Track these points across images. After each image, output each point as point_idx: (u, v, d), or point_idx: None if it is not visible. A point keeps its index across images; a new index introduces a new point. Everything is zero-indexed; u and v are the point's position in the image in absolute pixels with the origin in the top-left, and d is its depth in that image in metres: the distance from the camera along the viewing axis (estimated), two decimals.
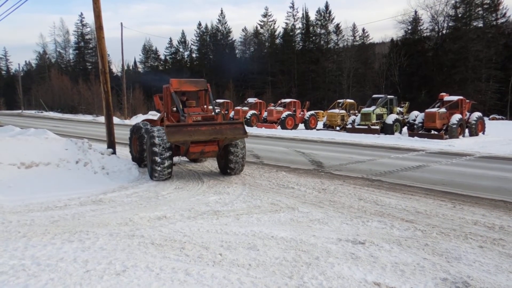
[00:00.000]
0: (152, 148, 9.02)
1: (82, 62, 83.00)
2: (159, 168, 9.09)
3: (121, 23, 40.15)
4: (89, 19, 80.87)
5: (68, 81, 65.72)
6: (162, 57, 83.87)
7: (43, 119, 40.86)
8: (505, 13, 54.35)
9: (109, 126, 11.20)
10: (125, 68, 51.22)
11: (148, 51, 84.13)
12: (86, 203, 7.59)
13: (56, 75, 69.72)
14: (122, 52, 40.39)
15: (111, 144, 11.15)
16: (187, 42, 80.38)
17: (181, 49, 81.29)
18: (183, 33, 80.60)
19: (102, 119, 12.56)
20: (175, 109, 10.74)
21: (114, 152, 10.94)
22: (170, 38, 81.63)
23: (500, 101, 50.60)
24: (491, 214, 6.81)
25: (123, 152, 13.53)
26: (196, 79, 10.99)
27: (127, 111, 41.38)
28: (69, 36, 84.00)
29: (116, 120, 33.32)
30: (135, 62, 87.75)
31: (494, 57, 50.18)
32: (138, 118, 38.16)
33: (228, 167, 9.92)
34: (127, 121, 35.78)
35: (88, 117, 44.57)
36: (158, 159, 9.01)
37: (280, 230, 5.86)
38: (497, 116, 45.37)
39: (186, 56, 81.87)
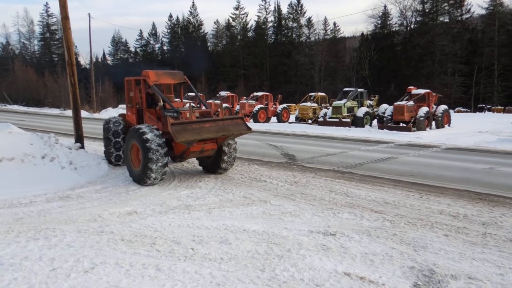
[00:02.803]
0: (146, 151, 7.98)
1: (48, 53, 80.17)
2: (153, 174, 8.13)
3: (89, 14, 39.07)
4: (55, 9, 78.01)
5: (33, 73, 63.34)
6: (132, 49, 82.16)
7: (6, 113, 39.29)
8: (469, 9, 56.27)
9: (77, 120, 10.89)
10: (94, 60, 49.90)
11: (118, 43, 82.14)
12: (52, 199, 7.37)
13: (20, 67, 67.02)
14: (90, 43, 39.35)
15: (79, 138, 10.86)
16: (158, 34, 79.01)
17: (151, 41, 79.83)
18: (153, 25, 79.14)
19: (69, 112, 12.22)
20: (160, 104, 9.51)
21: (82, 147, 10.66)
22: (141, 30, 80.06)
23: (465, 94, 52.44)
24: (456, 204, 7.05)
25: (92, 146, 13.21)
26: (172, 71, 10.27)
27: (96, 105, 40.35)
28: (34, 27, 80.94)
29: (84, 113, 32.47)
30: (104, 54, 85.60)
31: (459, 51, 51.86)
32: (107, 112, 37.31)
33: (219, 167, 9.34)
34: (96, 115, 34.91)
35: (55, 111, 43.18)
36: (153, 163, 8.00)
37: (252, 223, 5.87)
38: (462, 109, 46.99)
39: (157, 49, 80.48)
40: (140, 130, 8.24)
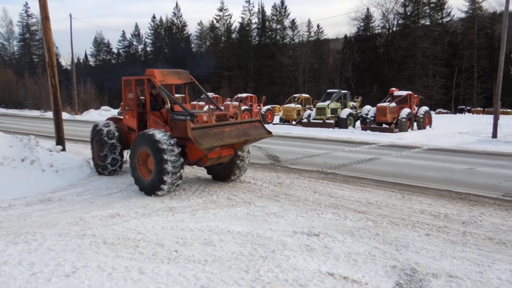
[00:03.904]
0: (161, 161, 7.19)
1: (28, 54, 78.59)
2: (167, 187, 7.42)
3: (70, 14, 38.46)
4: (35, 9, 76.62)
5: (13, 75, 61.93)
6: (115, 50, 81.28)
7: None
8: (449, 12, 57.39)
9: (58, 122, 10.71)
10: (75, 61, 49.17)
11: (100, 44, 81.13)
12: (33, 202, 7.23)
13: None
14: (71, 44, 38.76)
15: (60, 140, 10.68)
16: (141, 35, 78.36)
17: (134, 43, 79.15)
18: (136, 26, 78.50)
19: (50, 114, 12.02)
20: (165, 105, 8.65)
21: (63, 149, 10.48)
22: (123, 31, 79.23)
23: (446, 96, 53.46)
24: (437, 203, 7.17)
25: (74, 149, 13.02)
26: (178, 70, 9.21)
27: (78, 106, 39.76)
28: (13, 27, 79.23)
29: (66, 115, 32.01)
30: (86, 55, 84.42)
31: (440, 54, 52.87)
32: (89, 114, 36.80)
33: (233, 173, 8.64)
34: (77, 117, 34.41)
35: (36, 113, 42.37)
36: (169, 176, 7.27)
37: (237, 225, 5.86)
38: (443, 110, 47.84)
39: (140, 50, 79.84)
40: (154, 137, 7.28)
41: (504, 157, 12.64)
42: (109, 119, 9.97)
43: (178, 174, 7.41)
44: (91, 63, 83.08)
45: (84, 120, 31.65)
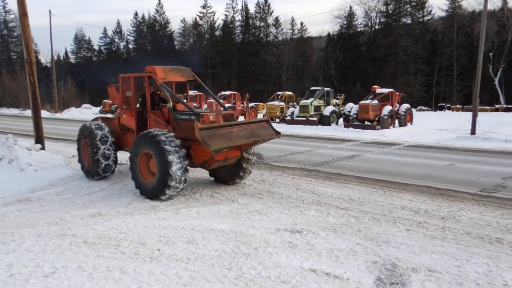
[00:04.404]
0: (166, 164, 6.75)
1: (6, 51, 76.68)
2: (171, 191, 7.02)
3: (49, 10, 37.62)
4: (13, 5, 74.89)
5: None
6: (96, 47, 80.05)
7: None
8: (430, 11, 58.30)
9: (37, 120, 10.51)
10: (55, 58, 48.22)
11: (81, 41, 79.78)
12: (11, 202, 7.08)
13: None
14: (51, 41, 37.96)
15: (40, 139, 10.48)
16: (123, 32, 77.37)
17: (116, 40, 78.09)
18: (118, 23, 77.39)
19: (29, 112, 11.77)
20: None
21: (43, 148, 10.29)
22: (105, 28, 78.15)
23: (426, 93, 54.36)
24: (417, 199, 7.29)
25: (54, 147, 12.80)
26: (180, 66, 8.68)
27: (58, 104, 39.05)
28: None
29: (45, 113, 31.41)
30: (66, 52, 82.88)
31: (421, 52, 53.68)
32: (70, 112, 36.22)
33: (237, 176, 8.25)
34: (58, 115, 33.80)
35: (14, 111, 41.48)
36: (174, 179, 6.83)
37: (220, 223, 5.85)
38: (424, 108, 48.63)
39: (122, 47, 78.82)
40: (158, 138, 6.86)
41: (482, 154, 12.92)
42: (98, 119, 9.34)
43: (184, 177, 7.00)
44: (71, 60, 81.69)
45: (64, 118, 31.13)
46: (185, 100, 8.77)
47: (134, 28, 75.68)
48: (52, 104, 40.28)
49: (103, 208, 6.70)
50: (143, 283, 3.97)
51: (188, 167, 7.10)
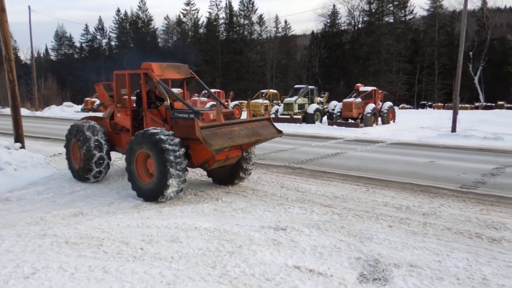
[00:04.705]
0: (165, 164, 6.49)
1: None
2: (170, 192, 6.72)
3: (29, 6, 36.86)
4: None
5: None
6: (78, 44, 78.77)
7: None
8: (412, 10, 59.14)
9: (16, 118, 10.27)
10: (35, 55, 47.30)
11: (61, 38, 78.37)
12: None
13: None
14: (30, 38, 37.19)
15: (19, 138, 10.25)
16: (105, 29, 76.34)
17: (98, 37, 77.02)
18: (100, 20, 76.39)
19: (8, 110, 11.50)
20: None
21: (22, 147, 10.08)
22: (86, 25, 76.94)
23: (409, 91, 55.19)
24: (399, 196, 7.39)
25: (34, 146, 12.56)
26: (177, 63, 8.37)
27: (38, 102, 38.29)
28: None
29: (25, 111, 30.78)
30: (46, 49, 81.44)
31: (403, 51, 54.46)
32: (51, 110, 35.58)
33: (237, 176, 7.99)
34: (38, 113, 33.15)
35: None
36: (174, 179, 6.58)
37: (204, 221, 5.83)
38: (406, 106, 49.36)
39: (104, 44, 77.74)
40: (156, 136, 6.61)
41: (462, 151, 13.17)
42: (89, 118, 8.83)
43: (183, 177, 6.73)
44: (52, 57, 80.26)
45: (45, 116, 30.54)
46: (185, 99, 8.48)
47: (116, 25, 74.78)
48: (32, 102, 39.48)
49: (85, 207, 6.61)
50: (126, 283, 3.93)
51: (187, 168, 6.89)
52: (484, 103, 45.94)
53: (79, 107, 37.41)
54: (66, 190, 7.79)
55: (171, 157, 6.50)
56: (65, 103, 40.13)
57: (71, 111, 35.22)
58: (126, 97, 8.08)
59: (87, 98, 35.87)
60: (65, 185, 8.17)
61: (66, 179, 8.63)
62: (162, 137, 6.60)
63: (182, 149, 6.70)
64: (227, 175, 8.07)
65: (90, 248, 4.80)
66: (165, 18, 73.42)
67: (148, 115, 7.77)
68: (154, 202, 6.81)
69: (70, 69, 63.40)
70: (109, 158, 8.40)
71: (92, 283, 3.93)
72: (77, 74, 60.15)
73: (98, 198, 7.17)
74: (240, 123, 7.20)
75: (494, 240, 5.18)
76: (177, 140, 6.70)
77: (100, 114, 9.99)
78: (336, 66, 57.78)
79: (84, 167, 8.13)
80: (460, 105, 25.80)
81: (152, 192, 6.82)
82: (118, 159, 9.35)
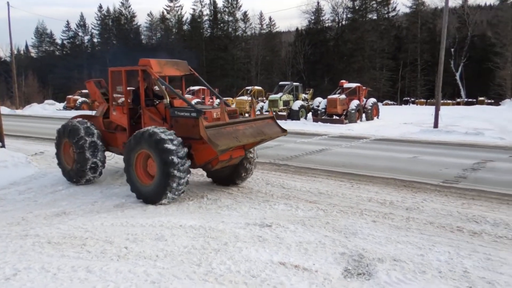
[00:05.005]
0: (167, 165, 6.21)
1: None
2: (171, 194, 6.45)
3: (8, 2, 35.97)
4: None
5: None
6: (59, 41, 77.37)
7: None
8: (395, 7, 59.75)
9: None
10: (15, 52, 46.32)
11: (42, 34, 76.86)
12: None
13: None
14: (10, 35, 36.33)
15: None
16: (87, 25, 75.10)
17: (80, 33, 75.75)
18: (82, 16, 75.31)
19: None
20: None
21: (3, 146, 9.90)
22: (67, 21, 75.59)
23: (392, 88, 55.81)
24: (383, 191, 7.48)
25: (15, 145, 12.30)
26: (175, 60, 8.13)
27: (19, 100, 37.53)
28: None
29: (5, 110, 30.20)
30: (26, 46, 79.73)
31: (387, 47, 55.02)
32: (32, 108, 34.94)
33: (239, 177, 7.75)
34: (18, 111, 32.52)
35: None
36: (176, 181, 6.30)
37: (189, 219, 5.80)
38: (389, 102, 49.86)
39: (86, 41, 76.55)
40: (157, 136, 6.32)
41: (444, 146, 13.39)
42: (81, 117, 8.46)
43: (185, 178, 6.47)
44: (32, 54, 78.74)
45: (26, 114, 29.97)
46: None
47: (98, 22, 73.66)
48: (12, 100, 38.71)
49: (68, 206, 6.52)
50: (110, 282, 3.89)
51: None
52: (466, 99, 46.75)
53: (61, 105, 36.80)
54: (48, 189, 7.67)
55: (174, 158, 6.22)
56: (46, 101, 39.44)
57: (52, 109, 34.62)
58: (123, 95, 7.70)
59: (69, 96, 35.28)
60: (46, 184, 8.04)
61: (48, 178, 8.49)
62: (164, 136, 6.31)
63: (185, 149, 6.44)
64: (229, 175, 7.80)
65: (73, 248, 4.74)
66: (148, 15, 72.61)
67: (146, 113, 7.43)
68: (158, 204, 6.55)
69: (51, 67, 62.32)
70: (104, 162, 8.07)
71: (75, 283, 3.88)
72: (59, 71, 59.25)
73: (81, 197, 7.07)
74: (244, 122, 6.95)
75: (475, 234, 5.29)
76: (179, 140, 6.43)
77: (86, 112, 9.75)
78: (321, 62, 58.06)
79: (77, 170, 7.81)
80: (442, 101, 26.19)
81: (152, 194, 6.53)
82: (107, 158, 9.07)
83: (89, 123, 8.05)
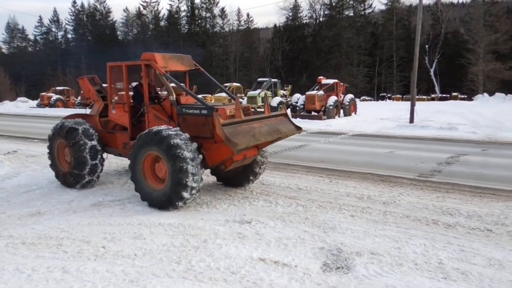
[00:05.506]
0: (180, 169, 5.74)
1: None
2: (188, 195, 5.93)
3: None
4: None
5: None
6: (31, 36, 75.32)
7: None
8: (371, 4, 60.56)
9: None
10: None
11: (13, 30, 74.68)
12: None
13: None
14: None
15: None
16: (60, 21, 73.33)
17: (53, 29, 73.96)
18: (55, 11, 73.49)
19: None
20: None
21: None
22: (40, 16, 73.69)
23: (369, 84, 56.63)
24: (361, 186, 7.59)
25: None
26: (180, 54, 7.79)
27: None
28: None
29: None
30: None
31: (363, 44, 55.76)
32: (4, 106, 33.95)
33: (248, 178, 7.34)
34: None
35: None
36: (190, 182, 5.82)
37: (168, 217, 5.75)
38: (367, 98, 50.64)
39: (60, 37, 74.77)
40: (170, 140, 5.80)
41: (420, 141, 13.68)
42: (77, 116, 7.96)
43: (199, 186, 6.06)
44: (4, 50, 76.42)
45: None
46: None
47: (72, 17, 72.06)
48: None
49: (43, 206, 6.36)
50: (87, 282, 3.83)
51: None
52: (440, 95, 47.87)
53: (35, 102, 35.86)
54: (21, 189, 7.46)
55: (188, 166, 5.75)
56: (19, 99, 38.41)
57: (26, 107, 33.72)
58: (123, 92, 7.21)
59: (43, 93, 34.44)
60: (20, 184, 7.82)
61: (22, 177, 8.27)
62: (179, 141, 5.80)
63: (200, 156, 6.01)
64: (239, 176, 7.39)
65: (48, 248, 4.63)
66: (124, 10, 71.72)
67: (151, 111, 6.92)
68: (172, 209, 6.13)
69: (23, 63, 60.62)
70: (102, 165, 7.59)
71: (51, 284, 3.80)
72: (32, 68, 57.68)
73: (57, 197, 6.92)
74: (260, 119, 6.51)
75: (449, 226, 5.43)
76: (195, 145, 5.99)
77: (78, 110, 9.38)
78: (299, 59, 58.33)
79: (75, 174, 7.28)
80: (417, 97, 26.73)
81: (164, 199, 6.05)
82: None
83: (88, 125, 7.53)
